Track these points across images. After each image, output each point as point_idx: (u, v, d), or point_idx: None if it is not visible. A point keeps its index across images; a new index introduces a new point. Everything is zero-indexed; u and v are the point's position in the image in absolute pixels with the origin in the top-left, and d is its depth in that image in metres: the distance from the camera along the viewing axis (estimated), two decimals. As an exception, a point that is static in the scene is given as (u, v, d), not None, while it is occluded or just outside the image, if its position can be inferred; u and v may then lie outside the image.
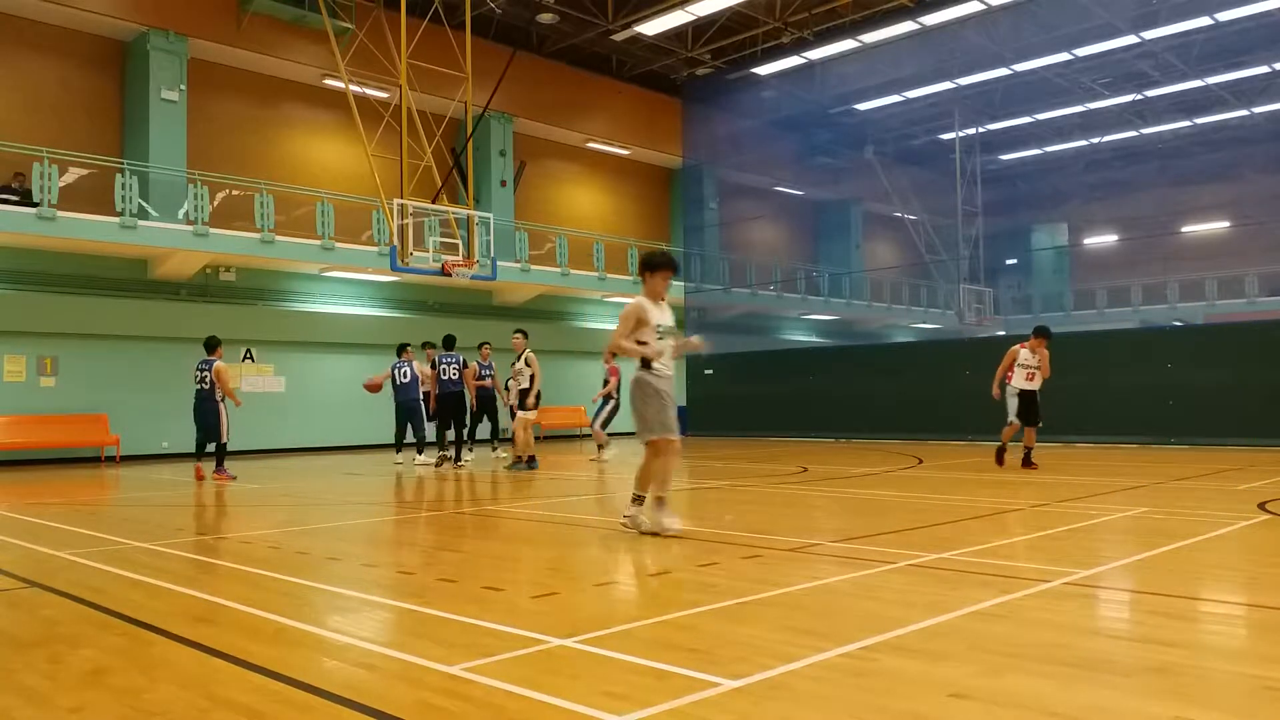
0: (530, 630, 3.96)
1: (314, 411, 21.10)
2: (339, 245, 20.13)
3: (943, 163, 31.80)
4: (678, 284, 26.57)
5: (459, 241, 17.88)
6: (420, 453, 14.99)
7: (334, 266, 20.63)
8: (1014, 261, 35.93)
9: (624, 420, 25.98)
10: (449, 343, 14.84)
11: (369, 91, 19.18)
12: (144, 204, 18.11)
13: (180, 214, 18.61)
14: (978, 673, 3.27)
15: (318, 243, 19.87)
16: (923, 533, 6.63)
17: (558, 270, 24.35)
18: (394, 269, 17.34)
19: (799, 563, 5.58)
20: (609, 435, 15.84)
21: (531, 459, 13.76)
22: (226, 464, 13.14)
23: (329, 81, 21.49)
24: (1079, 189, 34.09)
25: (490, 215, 19.85)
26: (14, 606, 4.85)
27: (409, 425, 15.13)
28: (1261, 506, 7.75)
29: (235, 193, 19.72)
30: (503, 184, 25.00)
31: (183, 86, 19.70)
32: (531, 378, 13.90)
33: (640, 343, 6.69)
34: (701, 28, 24.79)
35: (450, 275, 17.50)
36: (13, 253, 17.54)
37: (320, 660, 3.69)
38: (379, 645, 3.87)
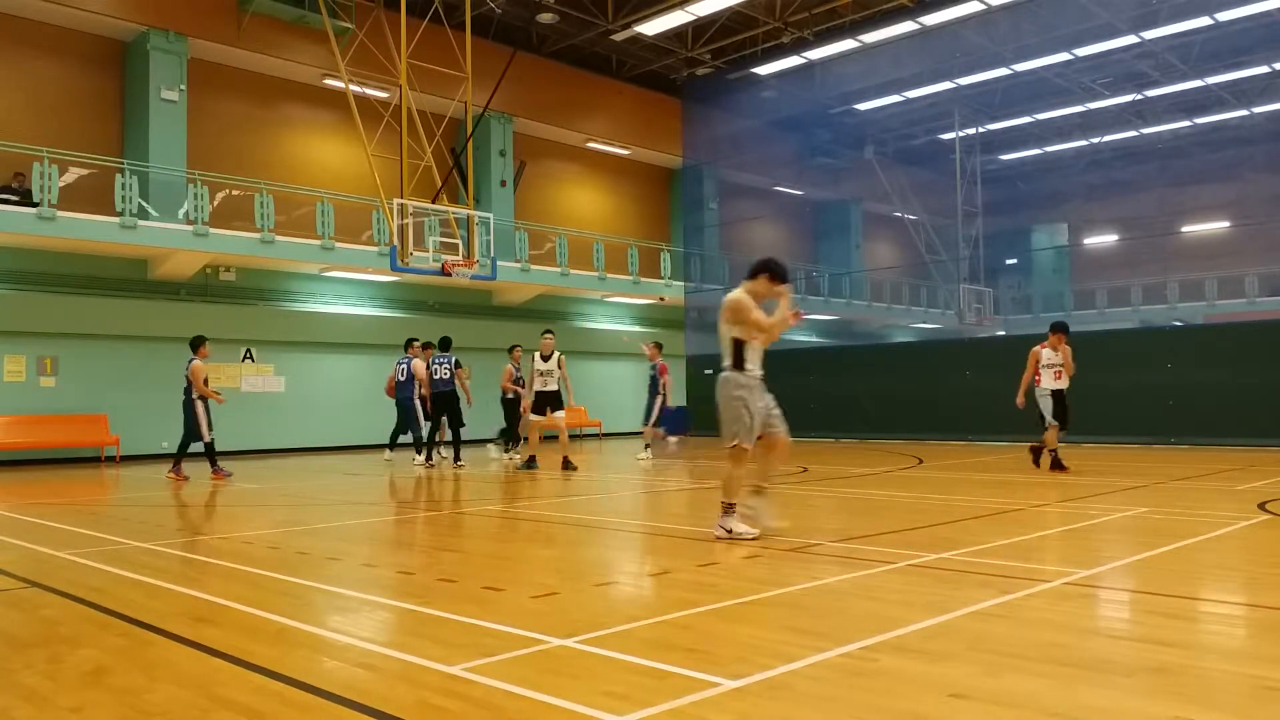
0: (530, 630, 3.96)
1: (314, 411, 21.10)
2: (339, 245, 20.12)
3: (943, 163, 31.81)
4: (677, 284, 26.59)
5: (459, 241, 17.87)
6: (419, 453, 15.02)
7: (334, 266, 20.63)
8: (1014, 261, 35.94)
9: (623, 420, 25.77)
10: (444, 344, 14.89)
11: (369, 91, 19.18)
12: (144, 204, 18.10)
13: (180, 214, 18.61)
14: (978, 673, 3.27)
15: (318, 243, 19.87)
16: (923, 533, 6.63)
17: (558, 270, 24.35)
18: (394, 269, 17.34)
19: (799, 563, 5.58)
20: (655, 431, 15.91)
21: (532, 459, 13.76)
22: (204, 462, 13.09)
23: (329, 81, 21.48)
24: (1079, 189, 34.09)
25: (490, 215, 19.85)
26: (14, 606, 4.86)
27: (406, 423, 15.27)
28: (1261, 506, 7.75)
29: (235, 193, 19.72)
30: (503, 184, 24.99)
31: (183, 86, 19.70)
32: (562, 379, 13.70)
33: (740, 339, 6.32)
34: (701, 28, 24.79)
35: (450, 275, 17.50)
36: (13, 253, 17.54)
37: (320, 660, 3.69)
38: (379, 645, 3.87)
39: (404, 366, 15.21)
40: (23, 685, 3.40)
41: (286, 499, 10.60)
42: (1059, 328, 11.31)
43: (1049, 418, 11.13)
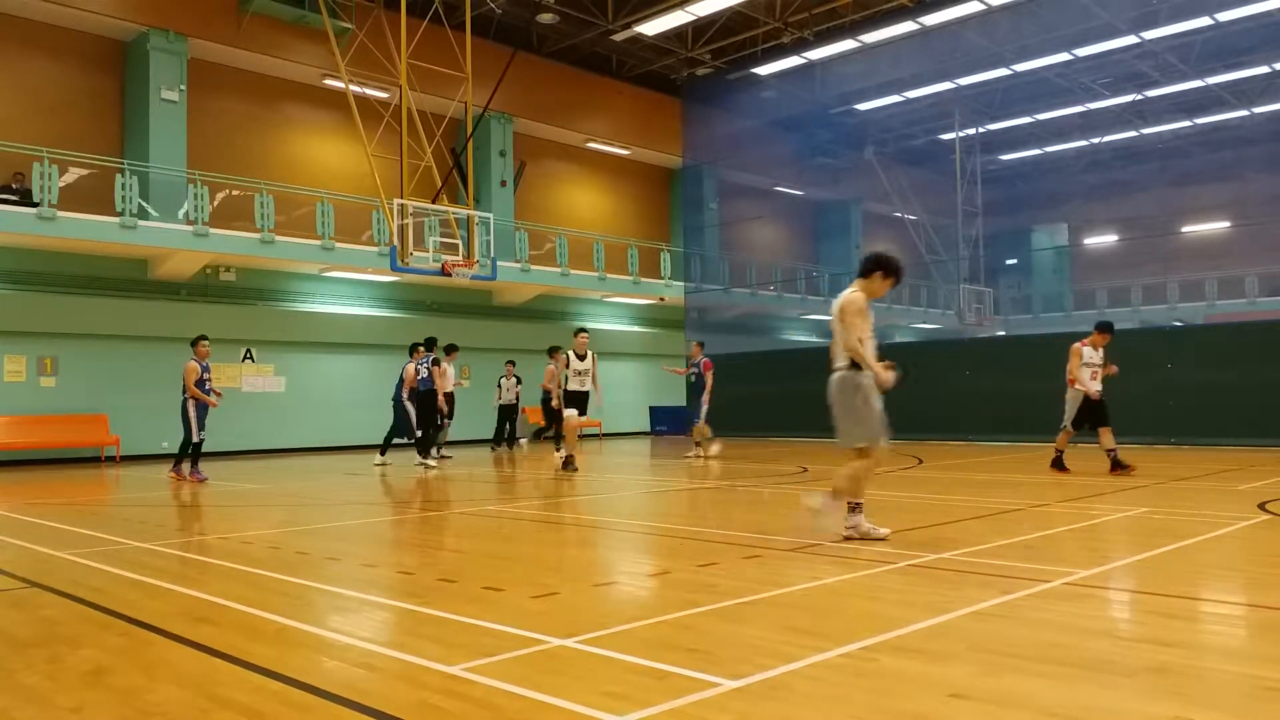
0: (530, 630, 3.96)
1: (314, 411, 21.11)
2: (339, 245, 20.13)
3: (943, 163, 31.80)
4: (677, 284, 26.59)
5: (459, 241, 17.88)
6: (419, 453, 15.02)
7: (334, 266, 20.63)
8: (1014, 261, 35.94)
9: (622, 421, 25.73)
10: (429, 344, 15.15)
11: (369, 91, 19.18)
12: (144, 204, 18.10)
13: (180, 214, 18.61)
14: (978, 673, 3.27)
15: (318, 243, 19.88)
16: (923, 533, 6.63)
17: (558, 270, 24.35)
18: (394, 269, 17.35)
19: (799, 563, 5.58)
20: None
21: (570, 459, 13.26)
22: (201, 464, 13.05)
23: (329, 81, 21.48)
24: (1079, 189, 34.10)
25: (490, 215, 19.85)
26: (14, 606, 4.85)
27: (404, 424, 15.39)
28: (1261, 506, 7.75)
29: (235, 193, 19.73)
30: (503, 184, 25.00)
31: (183, 86, 19.70)
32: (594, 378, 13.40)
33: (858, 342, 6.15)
34: (701, 28, 24.79)
35: (450, 275, 17.50)
36: (13, 253, 17.54)
37: (320, 660, 3.69)
38: (379, 645, 3.87)
39: (423, 368, 15.33)
40: (23, 685, 3.40)
41: (286, 499, 10.60)
42: (1104, 327, 10.93)
43: (1067, 420, 10.86)
